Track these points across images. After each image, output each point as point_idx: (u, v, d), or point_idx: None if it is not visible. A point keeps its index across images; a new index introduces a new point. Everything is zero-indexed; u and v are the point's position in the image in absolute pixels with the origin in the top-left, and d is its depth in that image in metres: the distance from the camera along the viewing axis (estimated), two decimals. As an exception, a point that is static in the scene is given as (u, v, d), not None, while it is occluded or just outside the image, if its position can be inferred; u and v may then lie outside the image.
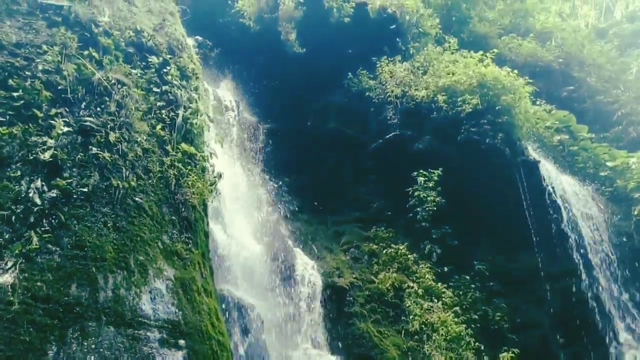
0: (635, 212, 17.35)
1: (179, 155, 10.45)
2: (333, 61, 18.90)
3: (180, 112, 11.01)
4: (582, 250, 16.73)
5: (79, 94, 9.63)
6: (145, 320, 7.96)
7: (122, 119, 9.81)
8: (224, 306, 10.65)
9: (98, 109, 9.67)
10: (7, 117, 8.66)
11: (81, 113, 9.43)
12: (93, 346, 7.27)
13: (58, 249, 7.79)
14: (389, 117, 18.11)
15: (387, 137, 17.85)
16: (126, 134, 9.73)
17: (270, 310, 12.94)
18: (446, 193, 16.38)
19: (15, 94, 8.88)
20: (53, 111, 9.05)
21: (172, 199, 9.90)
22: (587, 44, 24.95)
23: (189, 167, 10.48)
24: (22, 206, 7.95)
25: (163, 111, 10.76)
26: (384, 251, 15.84)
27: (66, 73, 9.54)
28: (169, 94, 11.10)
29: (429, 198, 16.31)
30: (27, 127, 8.64)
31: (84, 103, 9.60)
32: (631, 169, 18.19)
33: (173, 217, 9.65)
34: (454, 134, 17.24)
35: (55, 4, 10.40)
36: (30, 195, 8.06)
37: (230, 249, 12.65)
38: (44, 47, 9.63)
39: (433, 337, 13.57)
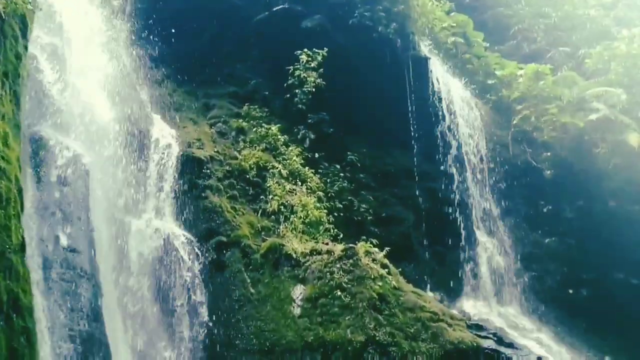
0: (515, 122, 17.17)
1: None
2: None
3: None
4: (457, 154, 16.41)
5: None
6: None
7: None
8: (38, 145, 8.97)
9: None
10: None
11: None
12: None
13: None
14: (278, -12, 16.41)
15: (275, 9, 16.22)
16: None
17: (108, 170, 11.38)
18: (328, 77, 15.25)
19: None
20: None
21: (-31, -1, 7.92)
22: (498, -49, 24.07)
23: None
24: None
25: None
26: (254, 129, 14.58)
27: None
28: None
29: (309, 79, 15.09)
30: None
31: None
32: (518, 81, 17.90)
33: (-33, 21, 7.71)
34: (347, 17, 16.11)
35: None
36: None
37: (65, 94, 10.80)
38: None
39: (291, 219, 12.68)
